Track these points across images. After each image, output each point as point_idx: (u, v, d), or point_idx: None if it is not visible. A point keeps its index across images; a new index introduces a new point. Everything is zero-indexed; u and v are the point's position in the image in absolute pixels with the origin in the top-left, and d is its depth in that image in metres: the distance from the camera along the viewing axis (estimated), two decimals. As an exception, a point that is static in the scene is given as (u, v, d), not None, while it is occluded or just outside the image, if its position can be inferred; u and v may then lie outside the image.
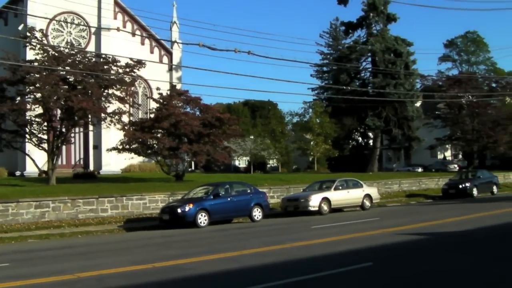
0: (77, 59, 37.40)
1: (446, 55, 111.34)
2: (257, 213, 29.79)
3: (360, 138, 61.84)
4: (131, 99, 42.62)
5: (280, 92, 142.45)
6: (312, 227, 24.15)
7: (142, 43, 60.89)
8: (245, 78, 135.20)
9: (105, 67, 37.70)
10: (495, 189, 45.62)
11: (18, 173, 51.84)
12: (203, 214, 27.41)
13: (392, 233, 19.92)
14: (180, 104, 42.15)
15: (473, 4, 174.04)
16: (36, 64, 36.37)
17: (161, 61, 59.81)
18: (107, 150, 44.06)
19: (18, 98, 37.11)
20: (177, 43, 57.08)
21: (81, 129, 49.35)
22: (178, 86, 48.53)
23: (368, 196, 34.93)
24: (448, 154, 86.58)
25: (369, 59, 57.92)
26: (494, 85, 73.72)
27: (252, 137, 79.12)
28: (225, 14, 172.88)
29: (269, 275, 12.83)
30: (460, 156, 79.67)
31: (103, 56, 41.33)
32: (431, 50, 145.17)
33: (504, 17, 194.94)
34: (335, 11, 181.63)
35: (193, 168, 68.59)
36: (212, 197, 28.50)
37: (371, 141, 60.71)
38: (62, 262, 16.75)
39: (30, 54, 40.81)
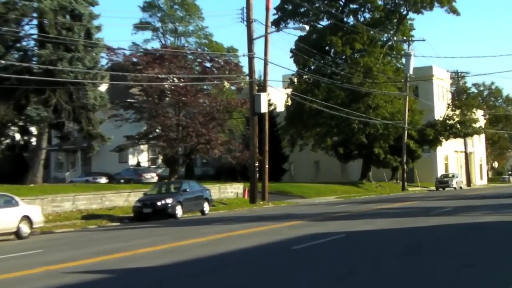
0: None
1: (144, 22, 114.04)
2: None
3: (18, 135, 60.85)
4: None
5: None
6: None
7: None
8: None
9: None
10: (206, 207, 47.64)
11: None
12: None
13: (60, 271, 19.88)
14: None
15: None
16: None
17: None
18: None
19: None
20: None
21: None
22: None
23: (27, 218, 34.71)
24: (143, 158, 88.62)
25: (35, 21, 57.22)
26: (208, 64, 76.42)
27: None
28: None
29: None
30: (160, 161, 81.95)
31: None
32: (124, 13, 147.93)
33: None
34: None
35: None
36: None
37: (34, 140, 60.04)
38: None
39: None
